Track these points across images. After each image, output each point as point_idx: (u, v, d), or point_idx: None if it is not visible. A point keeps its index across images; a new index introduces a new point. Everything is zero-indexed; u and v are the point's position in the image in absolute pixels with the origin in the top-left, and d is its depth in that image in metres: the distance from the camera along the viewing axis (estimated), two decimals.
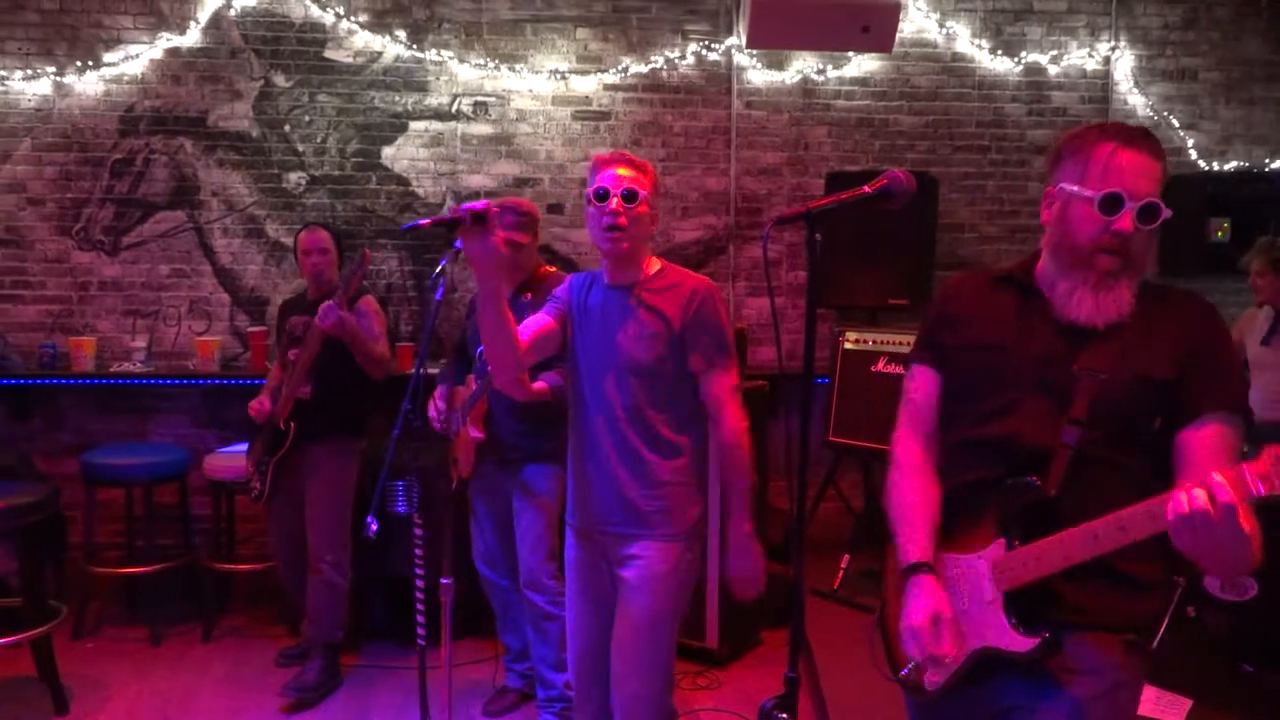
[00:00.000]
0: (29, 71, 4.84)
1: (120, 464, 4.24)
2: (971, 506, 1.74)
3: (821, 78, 5.19)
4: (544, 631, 3.40)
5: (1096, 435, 1.64)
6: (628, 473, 2.39)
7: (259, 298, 5.02)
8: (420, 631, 2.95)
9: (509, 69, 5.06)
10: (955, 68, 5.25)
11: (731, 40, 5.13)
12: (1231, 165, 5.28)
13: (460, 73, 5.05)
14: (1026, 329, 1.74)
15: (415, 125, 5.08)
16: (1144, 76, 5.29)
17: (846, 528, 4.75)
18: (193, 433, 4.98)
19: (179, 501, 4.45)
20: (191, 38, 4.92)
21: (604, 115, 5.15)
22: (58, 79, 4.86)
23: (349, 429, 3.87)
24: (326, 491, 3.79)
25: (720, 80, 5.18)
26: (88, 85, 4.88)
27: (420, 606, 2.95)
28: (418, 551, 2.98)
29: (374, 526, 2.90)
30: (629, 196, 2.33)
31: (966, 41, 5.22)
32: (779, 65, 5.18)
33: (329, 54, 5.01)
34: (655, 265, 2.47)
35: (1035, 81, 5.28)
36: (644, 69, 5.12)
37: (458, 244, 2.06)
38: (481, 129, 5.10)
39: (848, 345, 4.53)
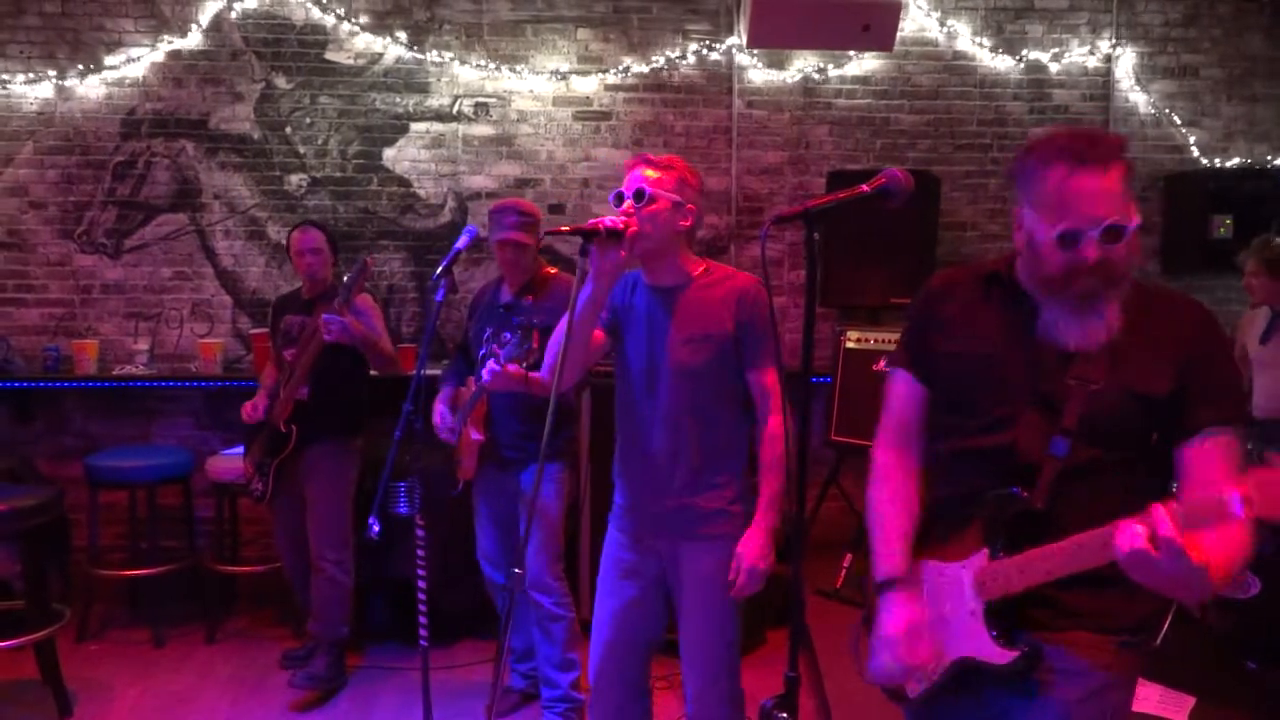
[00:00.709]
0: (31, 75, 4.85)
1: (124, 466, 4.24)
2: (960, 515, 1.71)
3: (822, 77, 5.19)
4: (549, 632, 3.40)
5: (1087, 447, 1.61)
6: (682, 475, 2.38)
7: (261, 300, 5.02)
8: (423, 633, 2.95)
9: (510, 70, 5.06)
10: (956, 66, 5.25)
11: (732, 40, 5.13)
12: (1234, 162, 5.27)
13: (461, 74, 5.05)
14: (1017, 337, 1.69)
15: (416, 127, 5.08)
16: (1145, 74, 5.28)
17: (849, 527, 4.74)
18: (196, 435, 4.99)
19: (182, 503, 4.46)
20: (193, 40, 4.93)
21: (605, 115, 5.15)
22: (59, 82, 4.87)
23: (346, 429, 3.87)
24: (326, 491, 3.79)
25: (721, 80, 5.18)
26: (89, 88, 4.90)
27: (423, 608, 2.95)
28: (420, 553, 2.98)
29: (376, 528, 2.91)
30: (639, 196, 2.31)
31: (967, 40, 5.22)
32: (780, 64, 5.18)
33: (330, 56, 5.02)
34: (700, 265, 2.45)
35: (1036, 79, 5.27)
36: (645, 69, 5.12)
37: (590, 252, 2.15)
38: (483, 130, 5.11)
39: (850, 344, 4.53)
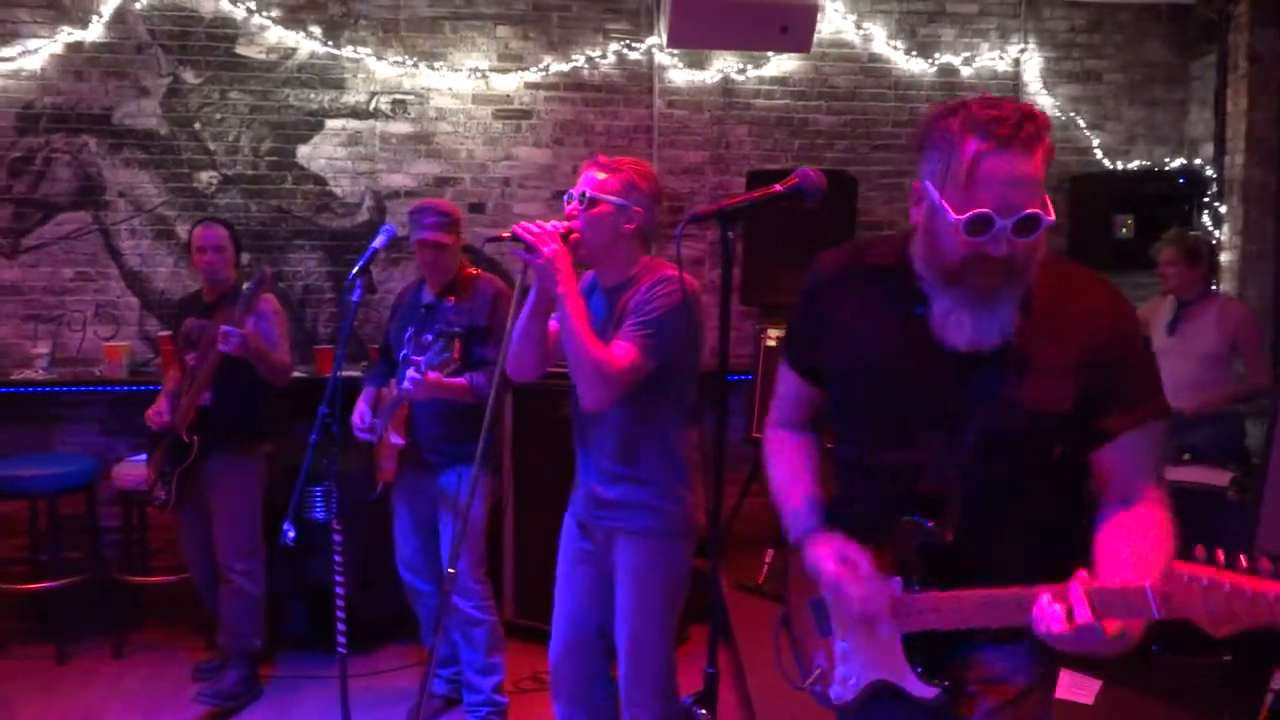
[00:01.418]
0: None
1: (22, 476, 4.07)
2: (873, 532, 1.60)
3: (742, 77, 5.24)
4: (470, 637, 3.36)
5: (989, 472, 1.49)
6: (616, 469, 2.42)
7: (170, 301, 4.85)
8: (341, 639, 2.89)
9: (428, 67, 4.99)
10: (872, 68, 5.34)
11: (652, 39, 5.14)
12: (1135, 164, 5.47)
13: (378, 70, 4.96)
14: (909, 341, 1.54)
15: (332, 124, 4.97)
16: (1052, 78, 5.45)
17: (770, 523, 4.78)
18: (102, 441, 4.81)
19: (86, 512, 4.29)
20: (94, 32, 4.74)
21: (525, 114, 5.11)
22: None
23: (251, 435, 3.77)
24: (232, 500, 3.70)
25: (642, 79, 5.18)
26: None
27: (341, 614, 2.90)
28: (337, 558, 2.92)
29: (291, 534, 2.85)
30: (582, 198, 2.35)
31: (883, 42, 5.32)
32: (700, 64, 5.21)
33: (240, 50, 4.88)
34: (641, 264, 2.47)
35: (949, 82, 5.40)
36: (565, 68, 5.10)
37: (530, 258, 2.22)
38: (400, 128, 5.03)
39: (770, 343, 4.57)
